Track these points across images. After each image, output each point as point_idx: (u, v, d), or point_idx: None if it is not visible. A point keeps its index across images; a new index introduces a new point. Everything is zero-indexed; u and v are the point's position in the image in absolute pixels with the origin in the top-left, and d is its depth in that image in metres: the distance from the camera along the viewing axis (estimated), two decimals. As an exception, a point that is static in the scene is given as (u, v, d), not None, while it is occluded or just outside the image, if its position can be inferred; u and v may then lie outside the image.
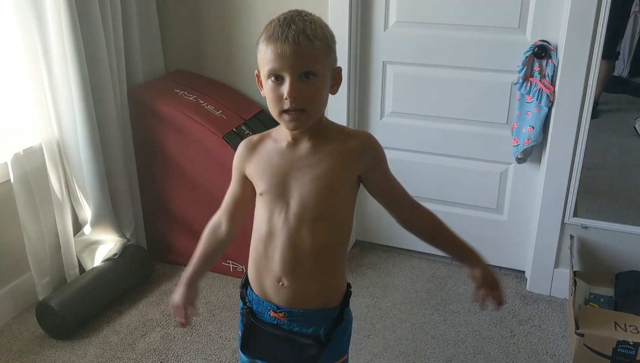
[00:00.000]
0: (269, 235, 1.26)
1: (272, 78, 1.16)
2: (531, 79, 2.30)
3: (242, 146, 1.32)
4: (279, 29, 1.14)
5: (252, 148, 1.30)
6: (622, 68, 2.88)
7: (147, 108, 2.52)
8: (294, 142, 1.25)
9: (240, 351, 1.40)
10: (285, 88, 1.14)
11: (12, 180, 2.24)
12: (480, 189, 2.60)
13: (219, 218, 1.38)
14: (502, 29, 2.35)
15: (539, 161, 2.45)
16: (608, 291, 2.36)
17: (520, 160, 2.44)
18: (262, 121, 2.66)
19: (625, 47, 2.84)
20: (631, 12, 2.74)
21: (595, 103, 2.66)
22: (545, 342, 2.25)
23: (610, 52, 2.72)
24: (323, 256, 1.27)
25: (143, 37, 2.65)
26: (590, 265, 2.45)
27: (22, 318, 2.37)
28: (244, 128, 2.54)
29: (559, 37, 2.24)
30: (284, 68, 1.14)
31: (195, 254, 1.40)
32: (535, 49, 2.26)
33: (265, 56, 1.15)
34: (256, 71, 1.24)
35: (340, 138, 1.26)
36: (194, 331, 2.30)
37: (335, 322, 1.31)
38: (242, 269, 2.60)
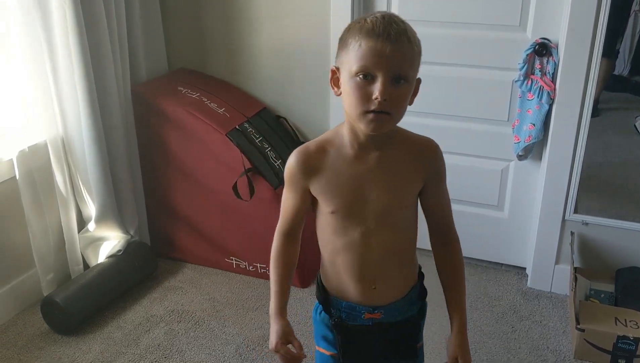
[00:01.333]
0: (347, 247, 1.25)
1: (361, 76, 1.09)
2: (532, 76, 2.32)
3: (300, 159, 1.22)
4: (381, 25, 1.08)
5: (314, 161, 1.21)
6: (622, 67, 2.89)
7: (151, 106, 2.54)
8: (361, 149, 1.19)
9: None
10: (376, 88, 1.08)
11: (17, 177, 2.26)
12: (481, 186, 2.62)
13: (286, 239, 1.31)
14: (503, 27, 2.37)
15: (540, 158, 2.47)
16: (608, 287, 2.38)
17: (521, 157, 2.45)
18: (265, 119, 2.68)
19: (625, 46, 2.85)
20: (631, 11, 2.75)
21: (596, 101, 2.67)
22: (546, 337, 2.26)
23: (609, 51, 2.73)
24: (404, 253, 1.31)
25: (146, 36, 2.67)
26: (590, 261, 2.47)
27: (27, 314, 2.39)
28: (247, 126, 2.56)
29: (559, 35, 2.26)
30: (379, 67, 1.08)
31: (275, 282, 1.30)
32: (536, 47, 2.28)
33: (357, 51, 1.09)
34: (333, 66, 1.17)
35: (406, 144, 1.24)
36: (198, 327, 2.32)
37: (420, 296, 1.37)
38: (245, 265, 2.62)
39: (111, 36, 2.38)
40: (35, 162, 2.32)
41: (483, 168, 2.58)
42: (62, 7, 2.17)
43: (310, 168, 1.21)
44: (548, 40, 2.27)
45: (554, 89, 2.28)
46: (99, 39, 2.32)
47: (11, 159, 2.24)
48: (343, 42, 1.14)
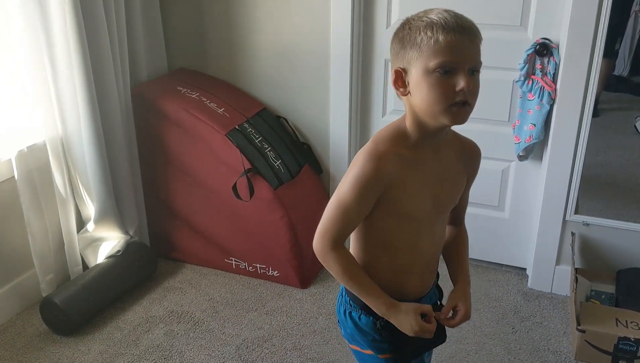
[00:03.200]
0: (411, 244, 1.26)
1: (442, 71, 1.09)
2: (533, 76, 2.31)
3: (380, 166, 1.17)
4: (452, 19, 1.10)
5: (391, 167, 1.18)
6: (622, 67, 2.89)
7: (150, 106, 2.53)
8: (426, 148, 1.21)
9: None
10: (460, 80, 1.09)
11: (16, 177, 2.25)
12: (482, 187, 2.59)
13: (344, 248, 1.26)
14: (504, 27, 2.36)
15: (541, 158, 2.46)
16: (609, 288, 2.37)
17: (521, 157, 2.45)
18: (265, 119, 2.68)
19: (625, 46, 2.85)
20: (631, 11, 2.75)
21: (596, 102, 2.66)
22: (547, 339, 2.26)
23: (609, 51, 2.72)
24: (442, 244, 1.38)
25: (146, 36, 2.67)
26: (591, 262, 2.46)
27: (26, 315, 2.38)
28: (247, 126, 2.56)
29: (560, 35, 2.25)
30: (460, 59, 1.09)
31: (369, 283, 1.26)
32: (537, 47, 2.27)
33: (434, 47, 1.09)
34: (399, 67, 1.16)
35: (456, 143, 1.28)
36: (197, 327, 2.31)
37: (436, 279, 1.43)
38: (245, 266, 2.61)
39: (111, 37, 2.37)
40: (35, 162, 2.31)
41: (484, 168, 2.48)
42: (62, 7, 2.16)
43: (389, 174, 1.18)
44: (549, 40, 2.26)
45: (555, 89, 2.28)
46: (98, 40, 2.32)
47: (10, 159, 2.24)
48: (407, 40, 1.13)
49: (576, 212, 2.41)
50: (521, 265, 2.67)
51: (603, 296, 2.33)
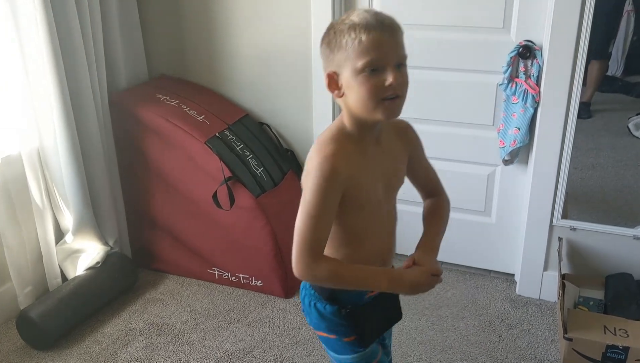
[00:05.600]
0: (372, 231, 1.31)
1: (368, 70, 1.13)
2: (516, 79, 2.27)
3: (336, 163, 1.18)
4: (372, 18, 1.13)
5: (345, 162, 1.19)
6: (615, 67, 2.85)
7: (129, 114, 2.49)
8: (367, 141, 1.25)
9: (361, 349, 1.36)
10: (388, 76, 1.13)
11: (-10, 189, 2.21)
12: (467, 192, 2.57)
13: (325, 257, 1.23)
14: (486, 29, 2.32)
15: (526, 162, 2.42)
16: (598, 294, 2.33)
17: (507, 162, 2.40)
18: (247, 126, 2.63)
19: (618, 47, 2.80)
20: (624, 11, 2.71)
21: (589, 103, 2.63)
22: (534, 347, 2.21)
23: (602, 52, 2.69)
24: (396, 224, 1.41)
25: (125, 43, 2.62)
26: (580, 267, 2.41)
27: (2, 329, 2.33)
28: (228, 133, 2.51)
29: (543, 37, 2.21)
30: (385, 56, 1.13)
31: (363, 269, 1.27)
32: (520, 49, 2.23)
33: (359, 48, 1.12)
34: (330, 71, 1.19)
35: (390, 128, 1.32)
36: (177, 340, 2.27)
37: None
38: (228, 276, 2.56)
39: (86, 44, 2.33)
40: (10, 173, 2.27)
41: (469, 173, 2.53)
42: (34, 15, 2.12)
43: (344, 172, 1.20)
44: (532, 42, 2.22)
45: (539, 92, 2.23)
46: (72, 48, 2.28)
47: (-17, 171, 2.20)
48: (334, 44, 1.16)
49: (563, 217, 2.37)
50: (509, 271, 2.62)
51: (591, 303, 2.28)
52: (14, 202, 2.30)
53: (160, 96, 2.55)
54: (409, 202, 2.65)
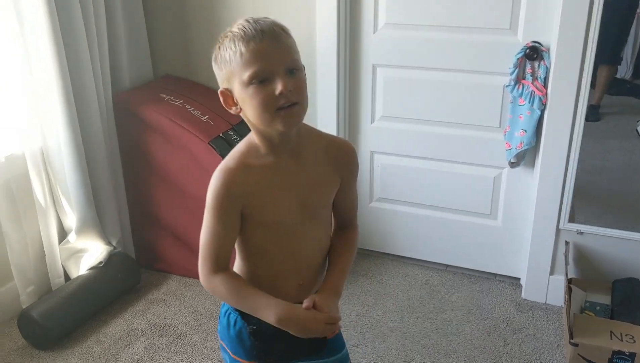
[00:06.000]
0: (279, 250, 1.23)
1: (256, 81, 1.07)
2: (523, 81, 2.24)
3: (227, 180, 1.15)
4: (250, 27, 1.07)
5: (241, 179, 1.15)
6: (624, 70, 2.82)
7: (132, 114, 2.48)
8: (280, 155, 1.17)
9: None
10: (278, 84, 1.07)
11: (-7, 188, 2.20)
12: (473, 194, 2.54)
13: (227, 273, 1.20)
14: (493, 30, 2.30)
15: (533, 165, 2.39)
16: (605, 299, 2.29)
17: (513, 164, 2.38)
18: (251, 126, 2.61)
19: (628, 50, 2.78)
20: (636, 14, 2.67)
21: (597, 106, 2.60)
22: (539, 352, 2.18)
23: (614, 58, 2.66)
24: (325, 249, 1.31)
25: (130, 43, 2.61)
26: (586, 271, 2.38)
27: (4, 328, 2.32)
28: (231, 133, 2.50)
29: (551, 38, 2.18)
30: (270, 65, 1.07)
31: (256, 298, 1.18)
32: (527, 51, 2.20)
33: (241, 60, 1.07)
34: (222, 88, 1.14)
35: (321, 144, 1.23)
36: (179, 341, 2.25)
37: None
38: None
39: (90, 44, 2.32)
40: (13, 172, 2.26)
41: (475, 175, 2.51)
42: (37, 14, 2.11)
43: (241, 187, 1.15)
44: (539, 43, 2.20)
45: (546, 94, 2.21)
46: (77, 47, 2.27)
47: (-14, 170, 2.19)
48: (219, 60, 1.11)
49: (571, 220, 2.34)
50: (515, 275, 2.59)
51: (598, 308, 2.25)
52: (17, 201, 2.30)
53: (165, 95, 2.54)
54: (404, 203, 2.66)
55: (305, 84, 1.13)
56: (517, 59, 2.22)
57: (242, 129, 2.56)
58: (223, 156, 2.32)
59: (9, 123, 2.24)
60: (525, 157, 2.36)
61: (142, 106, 2.47)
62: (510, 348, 2.20)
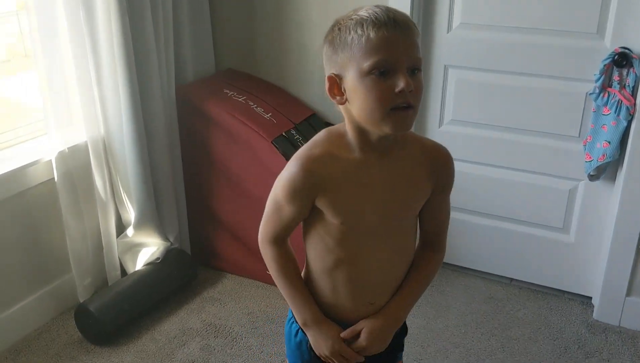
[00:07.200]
0: (351, 258, 1.15)
1: (376, 73, 0.98)
2: (609, 89, 2.10)
3: (307, 169, 1.08)
4: (383, 14, 0.98)
5: (323, 171, 1.08)
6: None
7: (195, 108, 2.43)
8: (371, 153, 1.08)
9: None
10: (399, 80, 0.97)
11: (56, 178, 2.18)
12: (546, 207, 2.41)
13: (281, 247, 1.20)
14: (578, 34, 2.16)
15: (614, 179, 2.24)
16: (688, 326, 2.14)
17: (592, 177, 2.23)
18: (313, 125, 2.54)
19: None
20: None
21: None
22: (615, 379, 2.05)
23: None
24: (403, 265, 1.22)
25: (194, 34, 2.57)
26: (667, 295, 2.23)
27: (61, 320, 2.31)
28: (294, 133, 2.42)
29: (643, 44, 2.04)
30: (396, 57, 0.97)
31: (297, 291, 1.20)
32: (615, 57, 2.06)
33: (366, 46, 0.98)
34: (332, 73, 1.04)
35: (417, 148, 1.14)
36: (235, 343, 2.20)
37: None
38: (287, 280, 2.47)
39: (157, 36, 2.28)
40: (75, 163, 2.24)
41: (549, 186, 2.37)
42: (107, 7, 2.08)
43: (319, 179, 1.08)
44: (629, 50, 2.05)
45: (634, 104, 2.06)
46: (144, 39, 2.23)
47: (50, 160, 2.17)
48: (338, 42, 1.02)
49: (652, 239, 2.19)
50: (586, 294, 2.44)
51: (681, 336, 2.10)
52: (78, 193, 2.27)
53: (228, 91, 2.49)
54: (470, 212, 2.53)
55: (423, 87, 1.05)
56: (604, 65, 2.08)
57: (305, 129, 2.49)
58: (285, 156, 2.28)
59: (74, 113, 2.22)
60: (606, 170, 2.21)
61: (205, 100, 2.42)
62: (583, 373, 2.08)
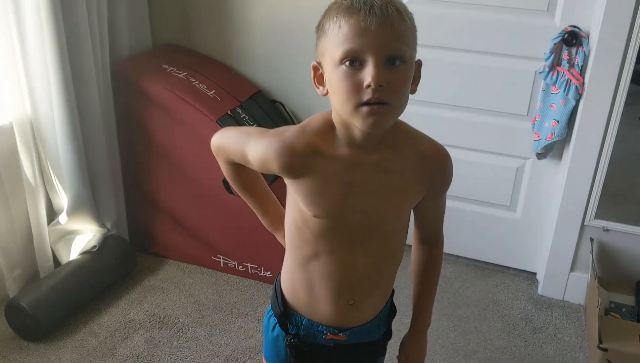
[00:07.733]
0: (329, 252, 1.07)
1: (347, 62, 0.90)
2: (558, 68, 2.11)
3: (284, 161, 1.00)
4: (359, 0, 0.90)
5: (300, 164, 1.00)
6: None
7: (132, 85, 2.27)
8: (357, 150, 1.00)
9: None
10: (368, 73, 0.89)
11: (-22, 163, 1.99)
12: (493, 185, 2.42)
13: (237, 166, 1.17)
14: (528, 12, 2.14)
15: (560, 157, 2.27)
16: (629, 299, 2.21)
17: (540, 156, 2.25)
18: (259, 104, 2.43)
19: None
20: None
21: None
22: (563, 354, 2.09)
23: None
24: (388, 267, 1.15)
25: (129, 8, 2.38)
26: (609, 270, 2.29)
27: (-11, 316, 2.14)
28: (240, 111, 2.31)
29: (592, 23, 2.04)
30: (366, 47, 0.89)
31: (253, 201, 1.26)
32: (565, 35, 2.06)
33: (339, 34, 0.90)
34: (314, 62, 0.98)
35: (411, 148, 1.04)
36: (182, 335, 2.09)
37: (389, 317, 1.23)
38: (234, 265, 2.39)
39: (89, 6, 2.10)
40: (0, 146, 2.05)
41: (497, 164, 2.37)
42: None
43: (295, 171, 1.01)
44: (579, 28, 2.05)
45: (583, 83, 2.07)
46: (74, 9, 2.04)
47: (-29, 143, 1.97)
48: (320, 29, 0.95)
49: (596, 217, 2.23)
50: (531, 269, 2.49)
51: (624, 310, 2.16)
52: (3, 178, 2.09)
53: (167, 66, 2.34)
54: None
55: (406, 81, 0.93)
56: (554, 44, 2.08)
57: (250, 106, 2.38)
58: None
59: (-3, 91, 2.03)
60: (553, 148, 2.23)
61: (143, 77, 2.26)
62: (532, 349, 2.11)
